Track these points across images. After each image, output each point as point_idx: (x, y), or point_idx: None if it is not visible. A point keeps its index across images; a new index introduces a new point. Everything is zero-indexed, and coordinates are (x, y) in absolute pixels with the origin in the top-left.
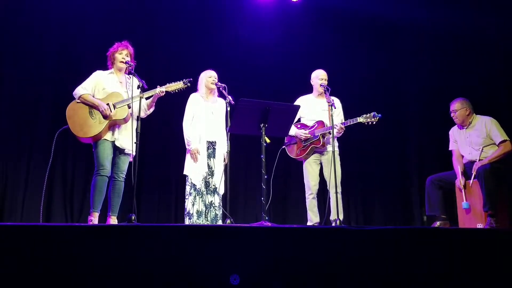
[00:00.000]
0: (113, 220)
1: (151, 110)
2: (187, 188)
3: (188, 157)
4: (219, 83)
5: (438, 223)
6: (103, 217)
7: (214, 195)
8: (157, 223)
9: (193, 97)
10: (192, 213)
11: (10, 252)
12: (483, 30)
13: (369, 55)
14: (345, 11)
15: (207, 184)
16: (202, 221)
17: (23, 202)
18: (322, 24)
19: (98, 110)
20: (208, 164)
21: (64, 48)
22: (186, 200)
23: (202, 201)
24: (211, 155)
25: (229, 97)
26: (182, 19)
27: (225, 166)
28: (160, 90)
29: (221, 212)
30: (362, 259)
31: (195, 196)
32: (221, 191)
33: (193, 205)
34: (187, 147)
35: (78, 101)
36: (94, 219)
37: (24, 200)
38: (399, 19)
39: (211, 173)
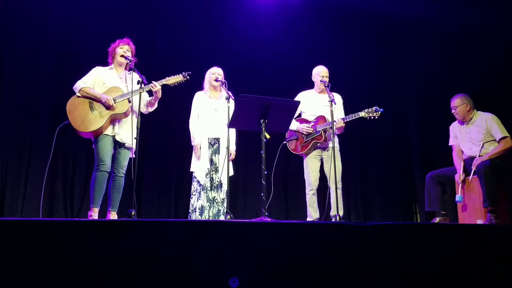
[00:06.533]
0: (113, 216)
1: (153, 108)
2: (194, 184)
3: (194, 154)
4: (219, 79)
5: (437, 219)
6: (103, 212)
7: (217, 191)
8: (157, 218)
9: (197, 96)
10: (196, 209)
11: (10, 248)
12: (483, 26)
13: (369, 50)
14: (346, 6)
15: (211, 180)
16: (205, 216)
17: (23, 197)
18: (323, 20)
19: (100, 102)
20: (212, 160)
21: (65, 43)
22: (193, 196)
23: (206, 196)
24: (216, 151)
25: (229, 93)
26: (183, 15)
27: (229, 162)
28: (160, 83)
29: (224, 207)
30: (362, 254)
31: (200, 192)
32: (224, 186)
33: (197, 201)
34: (192, 144)
35: (79, 94)
36: (94, 214)
37: (25, 195)
38: (399, 15)
39: (215, 169)
